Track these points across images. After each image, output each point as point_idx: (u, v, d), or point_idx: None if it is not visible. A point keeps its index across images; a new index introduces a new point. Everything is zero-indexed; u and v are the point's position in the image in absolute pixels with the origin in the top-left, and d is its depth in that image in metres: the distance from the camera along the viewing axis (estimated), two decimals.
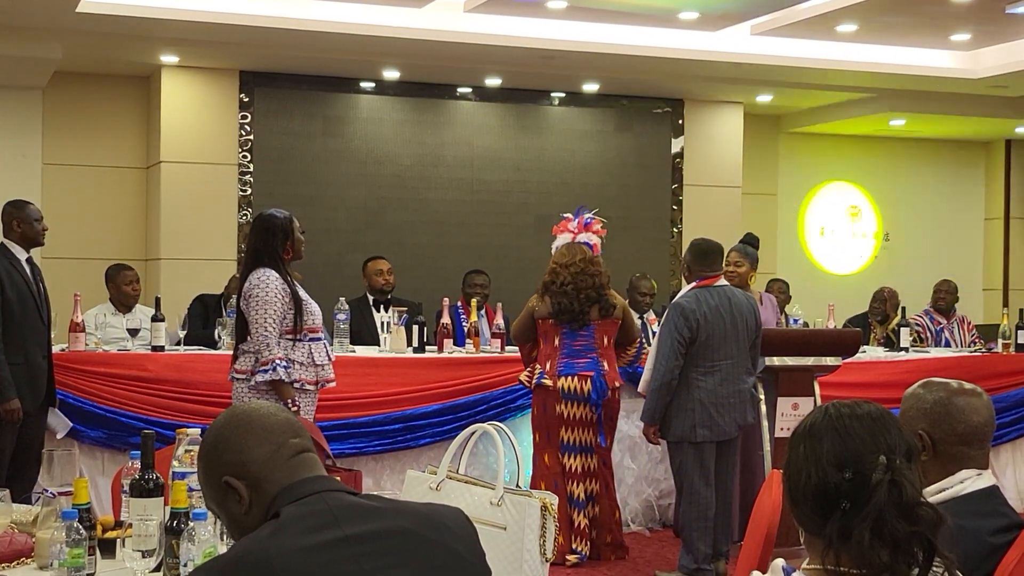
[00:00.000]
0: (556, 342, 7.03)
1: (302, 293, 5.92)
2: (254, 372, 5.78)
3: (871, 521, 2.09)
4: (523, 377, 7.13)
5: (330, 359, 6.03)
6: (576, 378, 6.96)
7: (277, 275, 5.81)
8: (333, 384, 6.11)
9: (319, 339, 5.98)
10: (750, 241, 7.73)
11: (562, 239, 7.27)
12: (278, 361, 5.73)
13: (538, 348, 7.14)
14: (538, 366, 7.05)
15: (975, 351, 9.15)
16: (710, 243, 6.85)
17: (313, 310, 5.96)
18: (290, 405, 5.64)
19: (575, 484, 7.00)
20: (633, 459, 7.86)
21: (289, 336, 5.82)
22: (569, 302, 6.97)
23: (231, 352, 6.17)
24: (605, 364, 7.05)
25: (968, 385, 3.06)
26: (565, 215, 7.40)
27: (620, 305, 7.22)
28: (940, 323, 10.09)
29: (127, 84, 10.65)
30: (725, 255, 7.10)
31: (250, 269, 5.89)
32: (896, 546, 2.08)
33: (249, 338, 5.84)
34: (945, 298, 10.18)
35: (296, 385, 5.81)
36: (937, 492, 2.86)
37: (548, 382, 6.95)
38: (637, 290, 9.26)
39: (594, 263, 7.11)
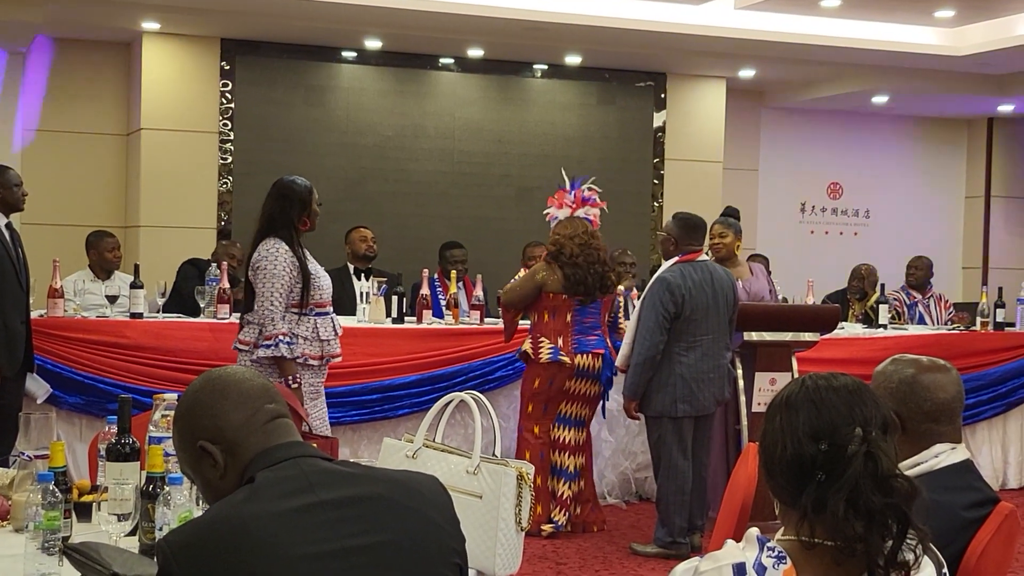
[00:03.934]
0: (568, 318, 6.97)
1: (312, 266, 5.72)
2: (257, 345, 5.60)
3: (846, 493, 2.09)
4: (527, 348, 6.99)
5: (336, 333, 5.83)
6: (590, 355, 6.96)
7: (287, 247, 5.62)
8: (339, 359, 5.93)
9: (326, 314, 5.76)
10: (731, 213, 7.73)
11: (560, 214, 7.18)
12: (281, 337, 5.54)
13: (538, 321, 7.03)
14: (545, 340, 6.93)
15: (952, 328, 9.17)
16: (696, 217, 6.85)
17: (322, 284, 5.75)
18: (290, 382, 5.49)
19: (566, 456, 7.00)
20: (610, 432, 7.87)
21: (295, 310, 5.64)
22: (583, 274, 6.92)
23: (210, 320, 6.14)
24: (607, 340, 7.07)
25: (939, 361, 3.04)
26: (561, 186, 7.29)
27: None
28: (915, 298, 10.12)
29: (108, 50, 10.58)
30: (708, 229, 7.11)
31: (261, 237, 5.69)
32: (870, 518, 2.09)
33: (255, 309, 5.67)
34: (915, 273, 10.21)
35: (300, 360, 5.63)
36: (912, 467, 2.86)
37: (566, 360, 6.89)
38: (616, 263, 9.24)
39: (595, 236, 7.07)
